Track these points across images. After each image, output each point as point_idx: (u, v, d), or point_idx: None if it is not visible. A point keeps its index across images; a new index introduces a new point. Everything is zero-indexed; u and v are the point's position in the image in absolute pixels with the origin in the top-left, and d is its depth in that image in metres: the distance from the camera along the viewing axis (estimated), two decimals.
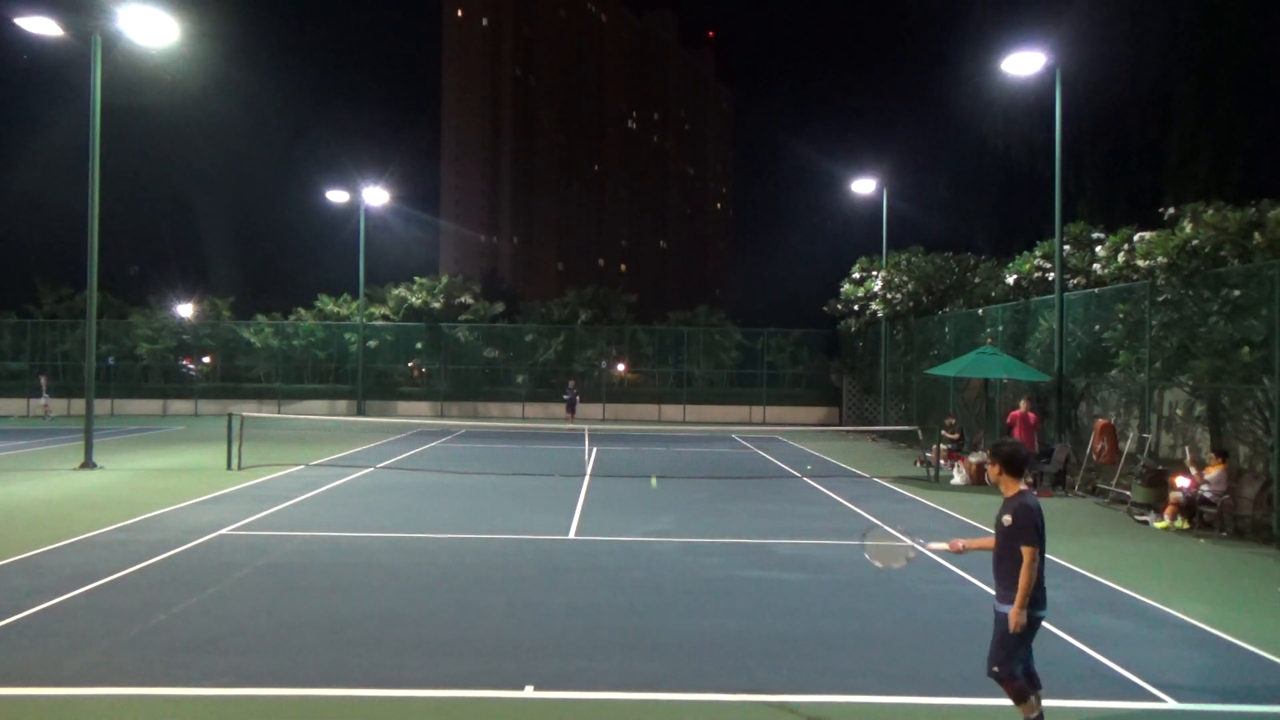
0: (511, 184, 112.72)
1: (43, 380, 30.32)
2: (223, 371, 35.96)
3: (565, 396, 29.24)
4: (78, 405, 30.36)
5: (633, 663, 6.16)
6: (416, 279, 36.65)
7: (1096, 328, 15.84)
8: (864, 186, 27.86)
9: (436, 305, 35.33)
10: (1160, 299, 13.87)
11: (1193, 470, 12.11)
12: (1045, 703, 5.53)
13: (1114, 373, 15.33)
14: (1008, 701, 5.56)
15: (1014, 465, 4.82)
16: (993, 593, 8.16)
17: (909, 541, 5.59)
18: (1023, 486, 4.86)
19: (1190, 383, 13.26)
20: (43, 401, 29.66)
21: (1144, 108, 31.17)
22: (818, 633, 6.97)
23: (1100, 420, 14.86)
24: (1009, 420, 15.00)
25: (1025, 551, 4.66)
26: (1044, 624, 7.11)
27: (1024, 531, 4.68)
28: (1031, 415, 14.84)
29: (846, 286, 29.11)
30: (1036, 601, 4.74)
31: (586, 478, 16.00)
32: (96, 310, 17.62)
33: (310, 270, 59.10)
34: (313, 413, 31.84)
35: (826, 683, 5.83)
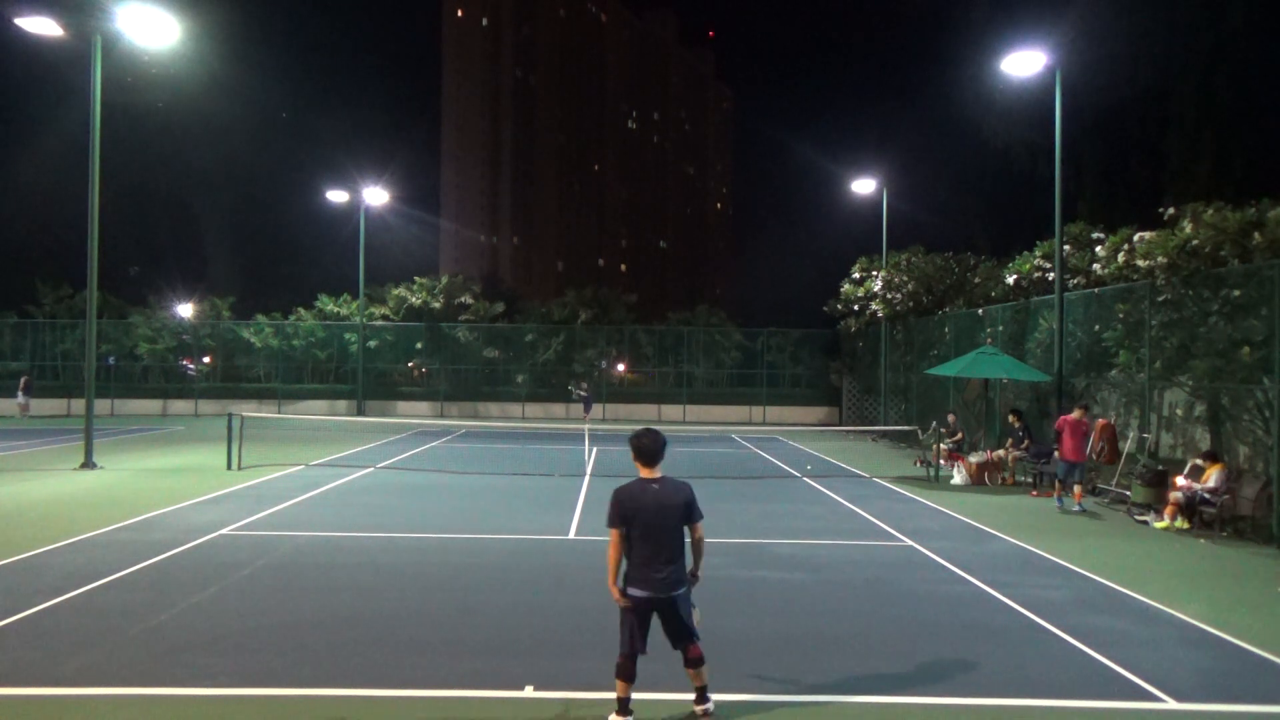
0: (511, 184, 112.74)
1: (23, 380, 30.20)
2: (223, 371, 35.95)
3: (582, 396, 29.30)
4: (78, 405, 30.38)
5: None
6: (416, 279, 36.64)
7: (1096, 328, 15.85)
8: (864, 186, 27.84)
9: (436, 305, 35.32)
10: (1160, 299, 13.87)
11: (1186, 472, 12.10)
12: (1046, 702, 5.55)
13: (1114, 373, 15.33)
14: (1007, 701, 5.57)
15: (641, 455, 5.12)
16: (993, 593, 8.19)
17: None
18: (658, 474, 5.06)
19: (1190, 383, 13.26)
20: (19, 401, 29.57)
21: (1144, 108, 31.18)
22: (818, 633, 6.97)
23: (1100, 420, 14.85)
24: (1057, 426, 13.60)
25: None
26: (1044, 624, 7.19)
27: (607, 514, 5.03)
28: (1085, 423, 13.47)
29: (846, 286, 29.11)
30: (629, 580, 4.97)
31: (586, 478, 16.00)
32: (96, 310, 17.62)
33: (310, 270, 59.21)
34: (313, 413, 31.84)
35: (827, 683, 5.83)
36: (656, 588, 4.90)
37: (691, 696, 5.23)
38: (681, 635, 5.03)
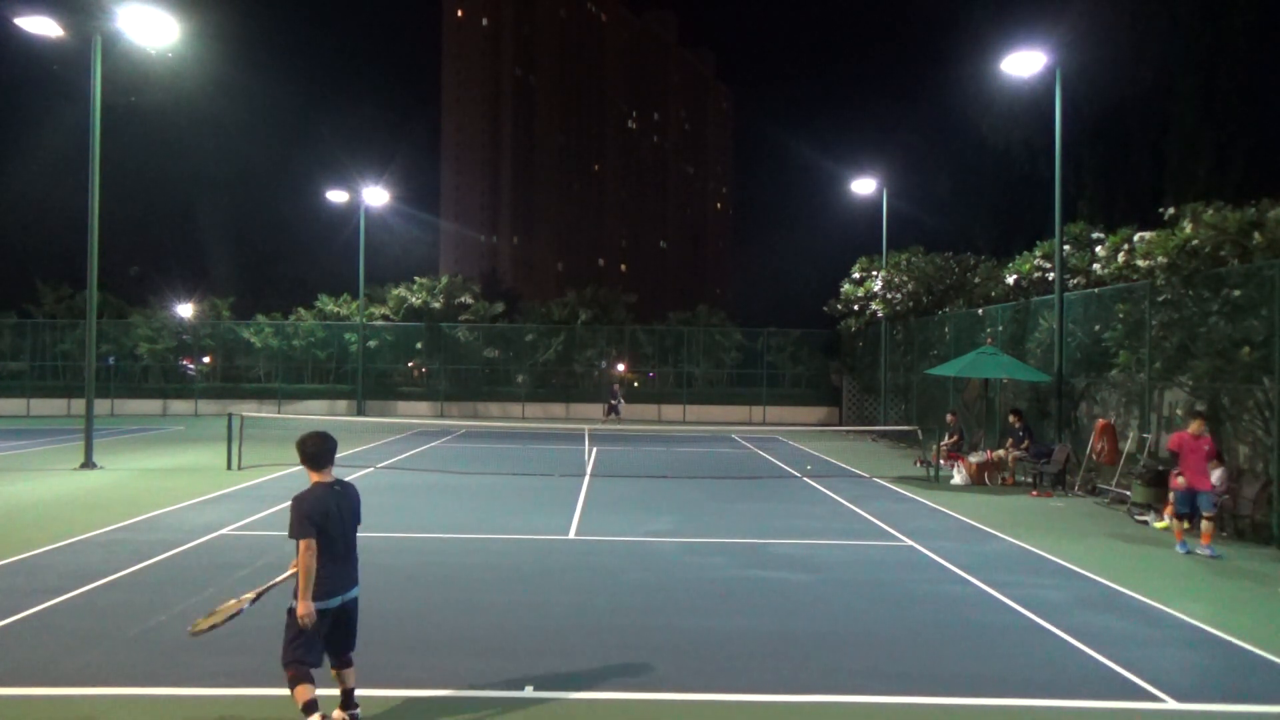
0: (511, 184, 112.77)
1: None
2: (223, 371, 35.95)
3: (613, 400, 29.38)
4: (78, 405, 30.37)
5: (633, 663, 6.16)
6: (416, 279, 36.64)
7: (1096, 328, 15.85)
8: (864, 186, 27.84)
9: (436, 305, 35.32)
10: (1160, 299, 13.87)
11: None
12: (1046, 702, 5.55)
13: (1114, 373, 15.32)
14: (1007, 701, 5.57)
15: (307, 460, 4.93)
16: (993, 593, 8.19)
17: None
18: (327, 479, 4.93)
19: (1190, 383, 13.26)
20: None
21: (1144, 108, 31.21)
22: (818, 633, 6.97)
23: (1100, 420, 14.86)
24: (1171, 447, 10.59)
25: (300, 543, 4.75)
26: (1044, 624, 7.19)
27: (291, 525, 4.79)
28: (1207, 441, 10.41)
29: (846, 286, 29.12)
30: (318, 593, 4.76)
31: (586, 478, 16.00)
32: (96, 310, 17.61)
33: (310, 270, 59.27)
34: (313, 413, 31.83)
35: (826, 683, 5.83)
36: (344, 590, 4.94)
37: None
38: (350, 642, 5.03)
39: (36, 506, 12.13)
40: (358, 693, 5.08)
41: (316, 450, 4.92)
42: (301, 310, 36.99)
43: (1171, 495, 10.58)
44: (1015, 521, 12.24)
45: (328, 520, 4.80)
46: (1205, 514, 10.23)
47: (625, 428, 28.17)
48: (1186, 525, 10.59)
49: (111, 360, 34.68)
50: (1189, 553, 10.26)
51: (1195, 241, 13.37)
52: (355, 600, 5.02)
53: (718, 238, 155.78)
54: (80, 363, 32.13)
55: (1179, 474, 10.37)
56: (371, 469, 16.47)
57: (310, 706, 4.71)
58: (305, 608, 4.68)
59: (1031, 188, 33.16)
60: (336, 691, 5.02)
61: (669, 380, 36.76)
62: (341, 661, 4.98)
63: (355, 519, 5.05)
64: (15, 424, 27.50)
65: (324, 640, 4.85)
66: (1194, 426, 10.39)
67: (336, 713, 4.93)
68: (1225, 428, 12.74)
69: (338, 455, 5.15)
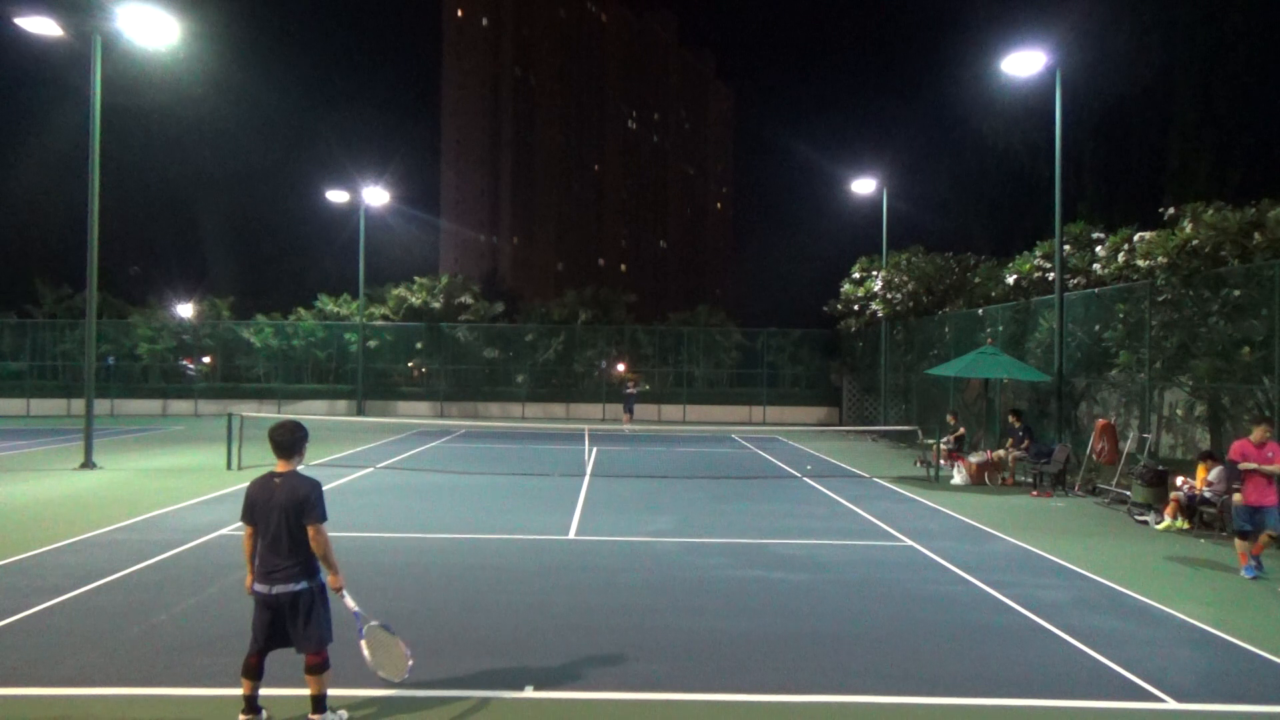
0: (511, 184, 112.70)
1: None
2: (223, 371, 35.95)
3: (629, 392, 29.45)
4: (77, 405, 30.38)
5: (633, 663, 6.16)
6: (416, 279, 36.63)
7: (1096, 328, 15.85)
8: (864, 186, 27.83)
9: (436, 305, 35.32)
10: (1160, 299, 13.88)
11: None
12: (1046, 703, 5.56)
13: (1114, 373, 15.33)
14: (1007, 701, 5.58)
15: (277, 448, 5.01)
16: (993, 593, 8.19)
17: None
18: (281, 469, 4.99)
19: (1190, 383, 13.26)
20: None
21: (1144, 108, 31.21)
22: (818, 633, 6.97)
23: (1100, 420, 14.85)
24: (1232, 457, 9.36)
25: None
26: (1044, 624, 7.20)
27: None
28: (1272, 447, 9.10)
29: (846, 286, 29.12)
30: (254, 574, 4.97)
31: (586, 478, 16.00)
32: (96, 310, 17.61)
33: (310, 270, 59.30)
34: (313, 413, 31.81)
35: (826, 683, 5.83)
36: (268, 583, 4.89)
37: None
38: (296, 639, 4.92)
39: (36, 506, 12.13)
40: (359, 692, 5.09)
41: (281, 440, 4.98)
42: (301, 310, 36.98)
43: (1235, 513, 9.31)
44: (1015, 521, 12.24)
45: (254, 509, 4.93)
46: (1271, 532, 9.01)
47: (623, 428, 28.17)
48: (1253, 543, 9.16)
49: (111, 360, 34.67)
50: (1256, 577, 9.02)
51: (1195, 241, 13.38)
52: (295, 596, 4.87)
53: (718, 238, 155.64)
54: (80, 363, 32.12)
55: (1238, 488, 9.17)
56: (371, 469, 16.47)
57: (246, 702, 4.90)
58: (249, 581, 4.98)
59: (1031, 188, 33.18)
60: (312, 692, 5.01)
61: (669, 380, 36.76)
62: (305, 665, 4.94)
63: (288, 513, 4.85)
64: (15, 424, 27.50)
65: (267, 628, 4.90)
66: (1257, 433, 9.20)
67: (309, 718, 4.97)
68: (1225, 428, 12.75)
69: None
